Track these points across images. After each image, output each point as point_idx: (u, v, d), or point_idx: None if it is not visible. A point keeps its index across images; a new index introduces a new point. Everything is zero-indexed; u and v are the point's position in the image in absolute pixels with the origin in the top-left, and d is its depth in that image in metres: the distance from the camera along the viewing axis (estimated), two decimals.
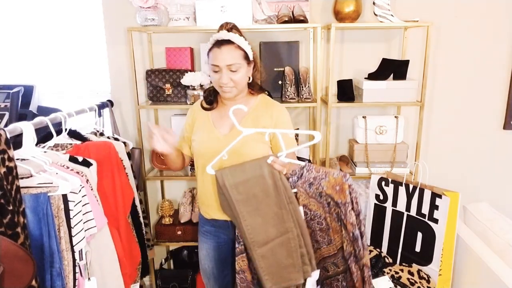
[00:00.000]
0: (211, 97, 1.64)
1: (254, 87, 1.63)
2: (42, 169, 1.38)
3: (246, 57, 1.52)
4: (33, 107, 2.34)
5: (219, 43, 1.49)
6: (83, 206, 1.42)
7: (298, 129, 2.41)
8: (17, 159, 1.35)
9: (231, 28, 1.52)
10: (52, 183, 1.33)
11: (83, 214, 1.42)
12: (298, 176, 1.49)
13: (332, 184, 1.43)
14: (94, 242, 1.54)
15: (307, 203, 1.50)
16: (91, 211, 1.45)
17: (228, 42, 1.48)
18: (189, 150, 1.71)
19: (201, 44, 2.32)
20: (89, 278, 1.50)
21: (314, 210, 1.49)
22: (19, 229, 1.23)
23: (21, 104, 2.25)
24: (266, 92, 2.09)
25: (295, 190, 1.48)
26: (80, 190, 1.40)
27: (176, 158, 1.67)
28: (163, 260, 2.59)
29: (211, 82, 1.66)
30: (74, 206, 1.37)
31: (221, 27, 1.53)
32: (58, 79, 2.53)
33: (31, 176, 1.35)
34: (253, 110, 1.61)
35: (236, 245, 1.55)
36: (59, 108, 2.17)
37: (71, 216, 1.37)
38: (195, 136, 1.64)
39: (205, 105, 1.65)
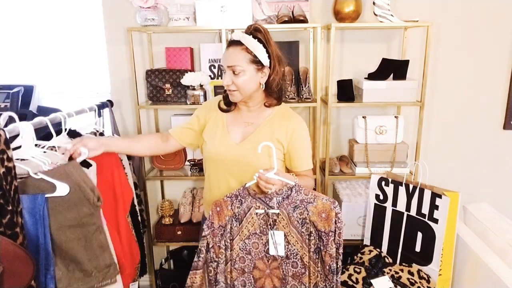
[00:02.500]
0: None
1: (270, 97, 1.50)
2: (40, 169, 1.38)
3: (255, 61, 1.41)
4: (33, 107, 2.34)
5: (230, 43, 1.45)
6: None
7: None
8: (17, 159, 1.35)
9: (253, 30, 1.42)
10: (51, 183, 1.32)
11: None
12: (284, 197, 1.38)
13: (319, 211, 1.35)
14: None
15: (288, 232, 1.39)
16: None
17: (237, 43, 1.41)
18: (184, 139, 1.64)
19: (201, 44, 2.32)
20: None
21: (293, 243, 1.39)
22: (18, 229, 1.22)
23: (21, 104, 2.25)
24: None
25: (277, 211, 1.37)
26: None
27: (127, 149, 1.62)
28: (163, 260, 2.59)
29: None
30: None
31: (247, 29, 1.44)
32: (58, 79, 2.53)
33: (29, 176, 1.34)
34: (269, 120, 1.52)
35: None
36: (59, 108, 2.16)
37: None
38: (207, 136, 1.58)
39: (223, 106, 1.56)
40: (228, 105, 1.56)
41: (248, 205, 1.39)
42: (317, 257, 1.39)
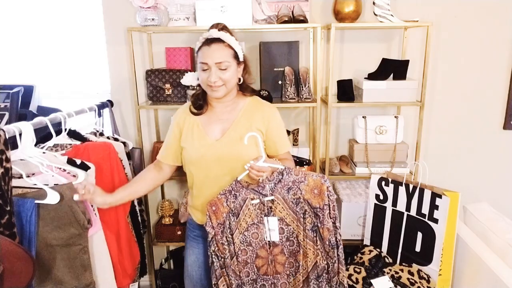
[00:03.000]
0: (200, 101, 1.58)
1: (245, 89, 1.60)
2: (36, 171, 1.37)
3: (236, 56, 1.50)
4: (33, 107, 2.34)
5: (209, 41, 1.47)
6: None
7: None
8: (18, 159, 1.35)
9: (222, 28, 1.49)
10: (43, 188, 1.31)
11: None
12: (275, 182, 1.41)
13: (311, 188, 1.39)
14: (89, 246, 1.53)
15: (284, 215, 1.42)
16: None
17: (218, 40, 1.46)
18: (175, 159, 1.64)
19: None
20: None
21: (288, 223, 1.43)
22: (15, 230, 1.23)
23: (21, 104, 2.25)
24: (266, 92, 2.09)
25: (272, 197, 1.41)
26: None
27: (133, 196, 1.63)
28: (163, 260, 2.59)
29: (197, 86, 1.62)
30: None
31: (212, 27, 1.50)
32: (58, 79, 2.53)
33: (22, 177, 1.34)
34: (244, 112, 1.57)
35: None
36: (59, 108, 2.17)
37: None
38: (185, 143, 1.58)
39: (194, 110, 1.58)
40: (200, 108, 1.58)
41: (243, 198, 1.41)
42: (315, 235, 1.42)
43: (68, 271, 1.35)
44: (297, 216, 1.41)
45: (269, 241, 1.45)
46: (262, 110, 1.58)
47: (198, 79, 1.55)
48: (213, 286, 1.49)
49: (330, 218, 1.39)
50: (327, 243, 1.41)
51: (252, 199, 1.41)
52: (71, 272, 1.36)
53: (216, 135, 1.55)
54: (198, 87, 1.60)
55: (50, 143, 1.60)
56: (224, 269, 1.46)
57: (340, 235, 1.42)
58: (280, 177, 1.41)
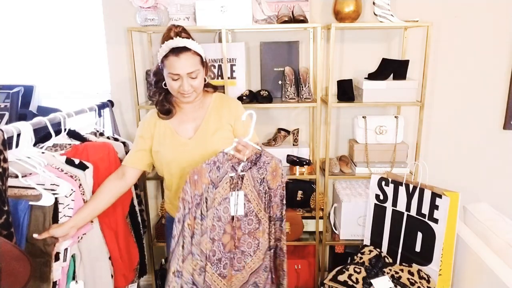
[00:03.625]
0: (166, 106, 1.58)
1: (209, 87, 1.64)
2: (32, 172, 1.37)
3: (202, 61, 1.52)
4: (33, 107, 2.34)
5: (176, 50, 1.45)
6: (69, 209, 1.42)
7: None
8: (15, 160, 1.34)
9: (181, 31, 1.49)
10: (39, 191, 1.31)
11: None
12: (253, 162, 1.49)
13: (272, 169, 1.52)
14: (86, 245, 1.52)
15: (248, 192, 1.49)
16: (71, 216, 1.43)
17: (185, 49, 1.45)
18: (142, 164, 1.62)
19: (201, 44, 2.32)
20: (76, 281, 1.48)
21: (250, 200, 1.50)
22: (13, 230, 1.22)
23: (21, 104, 2.25)
24: (265, 92, 2.08)
25: (244, 173, 1.48)
26: (70, 194, 1.39)
27: (94, 212, 1.53)
28: (163, 260, 2.59)
29: (155, 93, 1.61)
30: (63, 208, 1.38)
31: (169, 31, 1.49)
32: (58, 79, 2.53)
33: (23, 176, 1.34)
34: (212, 108, 1.62)
35: None
36: (59, 108, 2.17)
37: (59, 217, 1.37)
38: (159, 147, 1.58)
39: (163, 116, 1.59)
40: (168, 112, 1.59)
41: (225, 171, 1.45)
42: (267, 211, 1.56)
43: (33, 280, 1.34)
44: (260, 195, 1.50)
45: (233, 216, 1.49)
46: (228, 106, 1.64)
47: (164, 85, 1.55)
48: (174, 271, 1.45)
49: (279, 196, 1.54)
50: (274, 216, 1.57)
51: (230, 172, 1.47)
52: (32, 280, 1.34)
53: (189, 133, 1.59)
54: (157, 94, 1.58)
55: (49, 143, 1.60)
56: (191, 248, 1.44)
57: (285, 211, 1.59)
58: (257, 158, 1.51)
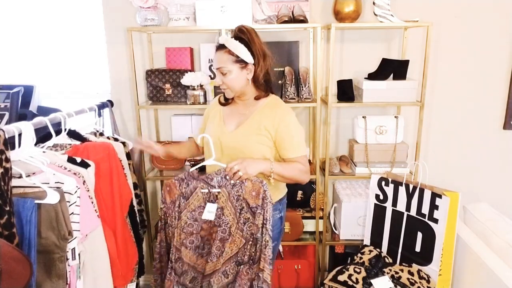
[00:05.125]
0: None
1: (258, 87, 1.64)
2: (36, 170, 1.37)
3: (238, 61, 1.56)
4: (33, 107, 2.34)
5: (217, 47, 1.60)
6: (76, 206, 1.41)
7: None
8: (18, 159, 1.34)
9: (238, 31, 1.57)
10: (43, 189, 1.30)
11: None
12: (222, 176, 1.56)
13: (250, 190, 1.53)
14: (89, 244, 1.53)
15: (224, 206, 1.56)
16: (78, 214, 1.42)
17: (222, 46, 1.57)
18: (201, 142, 1.76)
19: (201, 44, 2.32)
20: (79, 277, 1.49)
21: (226, 215, 1.56)
22: (14, 230, 1.22)
23: (21, 104, 2.25)
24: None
25: (219, 190, 1.56)
26: (76, 191, 1.39)
27: (179, 154, 1.88)
28: None
29: None
30: (69, 206, 1.37)
31: (233, 30, 1.62)
32: (58, 79, 2.53)
33: (27, 176, 1.34)
34: (260, 110, 1.65)
35: None
36: (59, 108, 2.16)
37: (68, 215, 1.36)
38: (208, 124, 1.78)
39: (222, 100, 1.75)
40: (226, 100, 1.74)
41: (194, 186, 1.59)
42: (246, 229, 1.57)
43: (47, 276, 1.35)
44: (235, 210, 1.56)
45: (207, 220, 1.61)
46: (275, 111, 1.64)
47: None
48: (155, 255, 1.65)
49: (262, 218, 1.53)
50: (254, 237, 1.56)
51: (202, 188, 1.58)
52: (48, 278, 1.35)
53: (232, 127, 1.69)
54: None
55: (49, 143, 1.60)
56: (169, 236, 1.63)
57: (269, 237, 1.54)
58: (225, 174, 1.56)
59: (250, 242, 1.56)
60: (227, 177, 1.55)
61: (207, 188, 1.57)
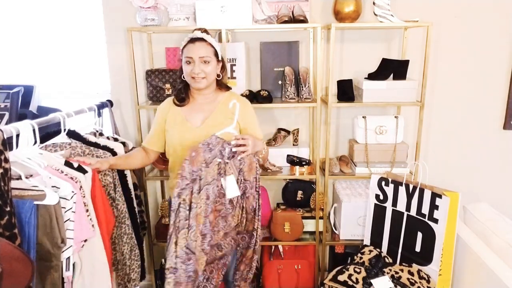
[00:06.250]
0: (183, 94, 1.79)
1: (222, 85, 1.82)
2: (35, 172, 1.36)
3: (216, 54, 1.73)
4: (33, 107, 2.34)
5: (194, 40, 1.69)
6: (72, 212, 1.39)
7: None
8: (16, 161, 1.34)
9: (204, 31, 1.73)
10: (42, 190, 1.30)
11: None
12: (230, 149, 1.63)
13: (249, 163, 1.66)
14: (86, 253, 1.50)
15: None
16: (73, 221, 1.41)
17: (201, 39, 1.70)
18: (159, 146, 1.84)
19: None
20: None
21: None
22: (16, 231, 1.22)
23: (21, 104, 2.25)
24: (266, 92, 2.11)
25: (228, 161, 1.63)
26: (72, 197, 1.38)
27: (127, 165, 1.84)
28: (163, 260, 2.59)
29: (181, 79, 1.79)
30: (64, 212, 1.36)
31: (195, 30, 1.73)
32: (58, 79, 2.53)
33: (26, 177, 1.33)
34: (221, 104, 1.79)
35: None
36: (59, 108, 2.17)
37: (63, 221, 1.35)
38: (169, 127, 1.78)
39: (177, 102, 1.79)
40: (182, 100, 1.79)
41: (215, 154, 1.61)
42: (242, 201, 1.69)
43: (42, 286, 1.34)
44: (238, 183, 1.64)
45: (218, 200, 1.63)
46: (238, 103, 1.74)
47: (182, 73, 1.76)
48: (169, 268, 1.61)
49: (255, 188, 1.68)
50: (250, 207, 1.70)
51: (218, 157, 1.61)
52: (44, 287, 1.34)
53: (197, 122, 1.77)
54: (180, 83, 1.81)
55: (48, 143, 1.60)
56: (187, 221, 1.56)
57: (260, 202, 1.72)
58: (232, 145, 1.64)
59: (245, 215, 1.70)
60: (233, 149, 1.63)
61: (221, 158, 1.62)
